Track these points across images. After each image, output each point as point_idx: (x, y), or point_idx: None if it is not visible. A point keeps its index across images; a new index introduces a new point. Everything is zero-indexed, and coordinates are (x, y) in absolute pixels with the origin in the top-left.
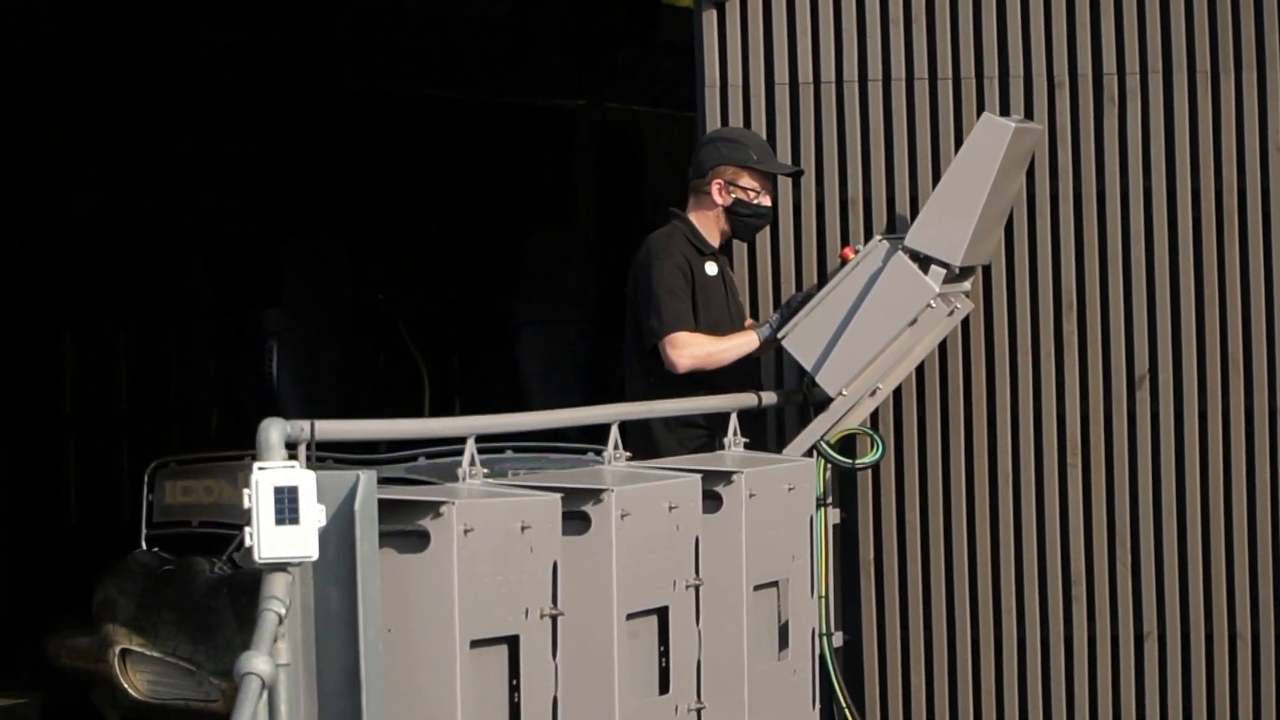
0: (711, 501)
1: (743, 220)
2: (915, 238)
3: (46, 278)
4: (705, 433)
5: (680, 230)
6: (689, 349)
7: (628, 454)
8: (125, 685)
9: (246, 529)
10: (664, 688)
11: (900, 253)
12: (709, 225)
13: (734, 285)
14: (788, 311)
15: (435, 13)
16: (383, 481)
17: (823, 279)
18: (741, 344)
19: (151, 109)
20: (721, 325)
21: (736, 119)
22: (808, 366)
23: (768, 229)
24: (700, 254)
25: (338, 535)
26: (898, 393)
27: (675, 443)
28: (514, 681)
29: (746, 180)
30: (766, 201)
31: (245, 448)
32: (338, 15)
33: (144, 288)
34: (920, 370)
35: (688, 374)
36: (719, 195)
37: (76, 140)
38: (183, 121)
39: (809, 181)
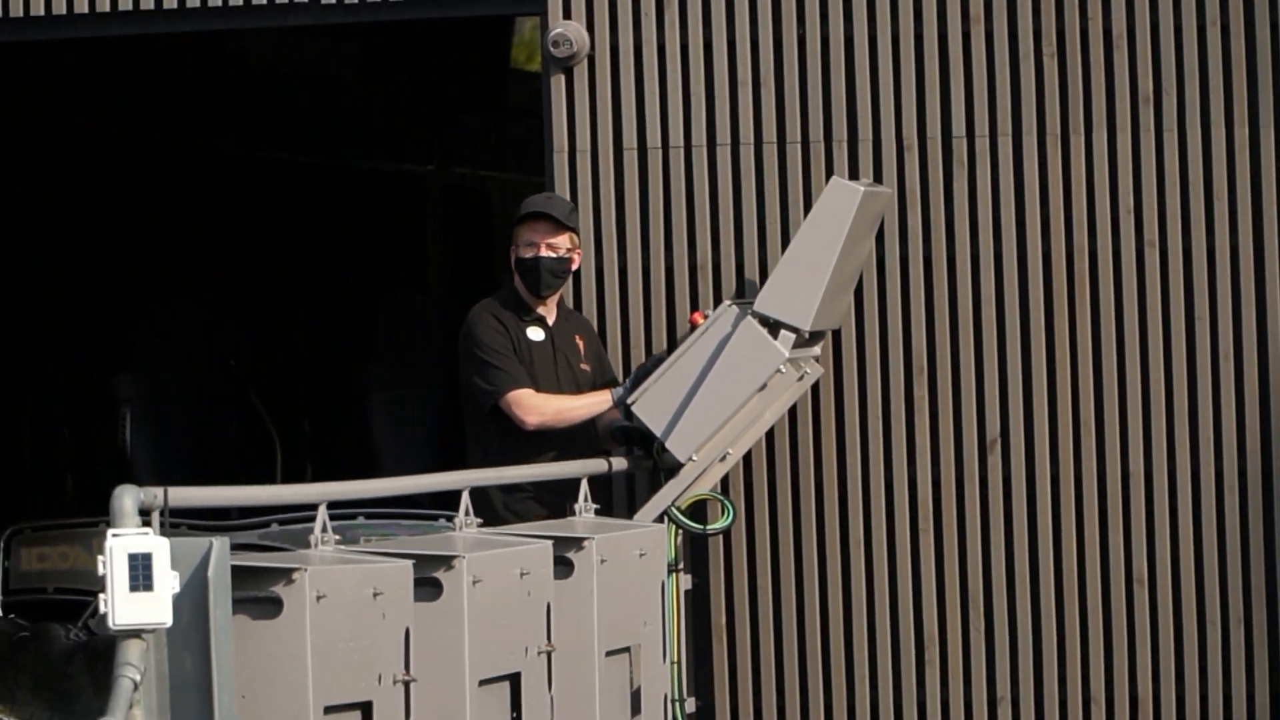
0: (563, 567)
1: (524, 274)
2: (765, 302)
3: None
4: (530, 497)
5: (501, 297)
6: (537, 406)
7: (479, 520)
8: None
9: (101, 595)
10: None
11: (750, 318)
12: (522, 288)
13: (578, 350)
14: (638, 377)
15: (286, 75)
16: (236, 548)
17: (672, 344)
18: (593, 403)
19: (8, 167)
20: (547, 389)
21: (585, 184)
22: (657, 432)
23: (616, 293)
24: (521, 319)
25: (192, 602)
26: (748, 458)
27: (502, 506)
28: None
29: (522, 235)
30: (535, 253)
31: (100, 514)
32: (193, 75)
33: None
34: (770, 435)
35: (533, 437)
36: (511, 258)
37: None
38: (40, 178)
39: (658, 246)
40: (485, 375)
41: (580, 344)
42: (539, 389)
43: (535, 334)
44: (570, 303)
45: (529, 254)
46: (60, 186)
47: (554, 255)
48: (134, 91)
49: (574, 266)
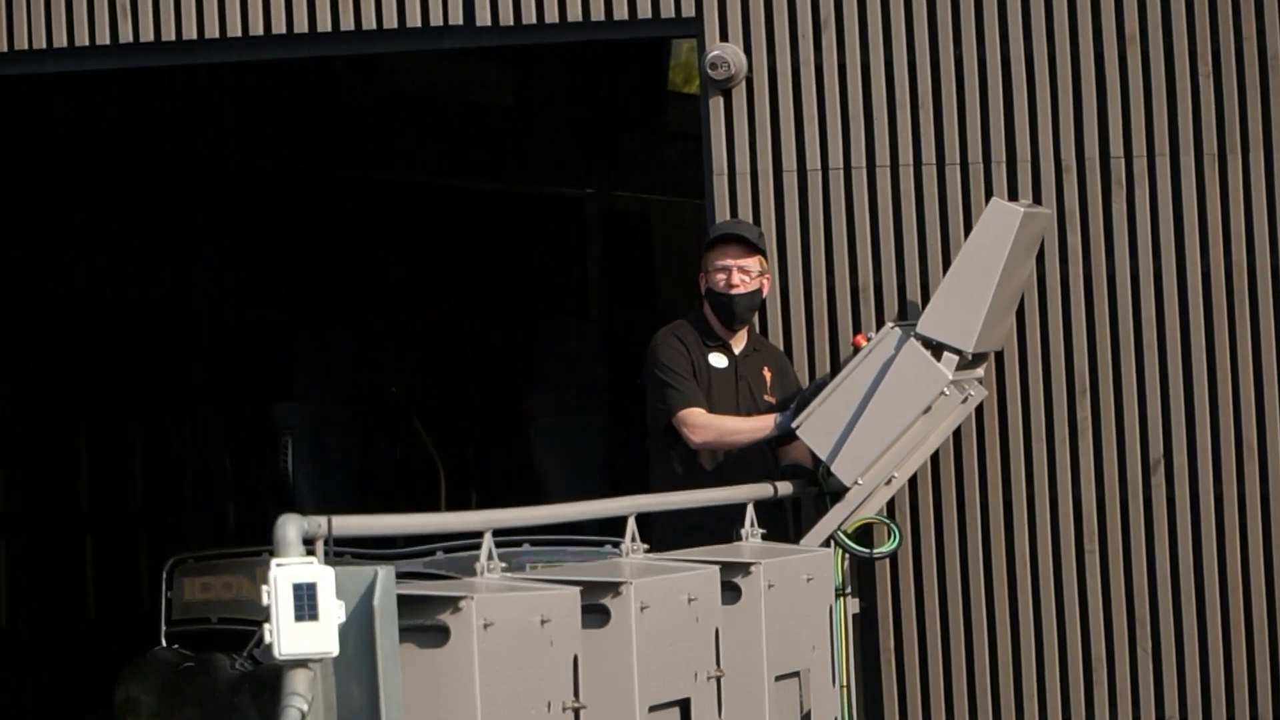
0: (730, 593)
1: (716, 305)
2: (927, 324)
3: (60, 370)
4: (697, 526)
5: (687, 323)
6: (703, 425)
7: (645, 546)
8: None
9: (266, 625)
10: None
11: (913, 340)
12: (712, 317)
13: (764, 382)
14: (802, 401)
15: (442, 100)
16: (401, 576)
17: (836, 368)
18: (757, 427)
19: (167, 198)
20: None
21: (745, 206)
22: (823, 456)
23: (779, 316)
24: (705, 345)
25: (357, 631)
26: (913, 481)
27: (672, 536)
28: None
29: (713, 260)
30: (728, 279)
31: (262, 543)
32: (350, 103)
33: (156, 380)
34: (935, 458)
35: (709, 467)
36: (702, 286)
37: (90, 227)
38: (196, 208)
39: (819, 268)
40: (663, 394)
41: (768, 375)
42: (716, 412)
43: (718, 361)
44: None
45: (720, 282)
46: (223, 217)
47: (746, 291)
48: (291, 120)
49: (764, 294)
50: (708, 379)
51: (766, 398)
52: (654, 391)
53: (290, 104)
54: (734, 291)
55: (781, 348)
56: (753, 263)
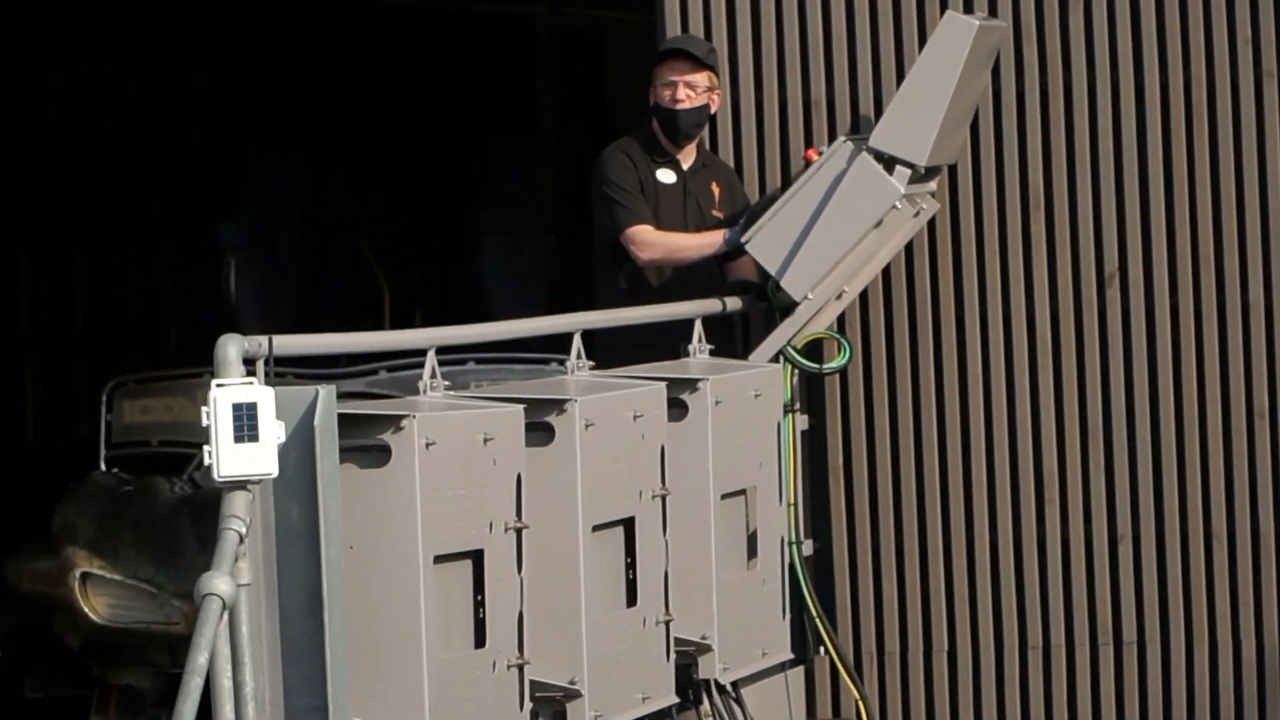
0: (677, 409)
1: (663, 120)
2: (880, 138)
3: (1, 195)
4: (642, 344)
5: (635, 139)
6: (651, 242)
7: (591, 363)
8: (86, 609)
9: (206, 447)
10: (631, 600)
11: (865, 154)
12: (659, 133)
13: (712, 196)
14: (751, 216)
15: None
16: (342, 396)
17: (786, 182)
18: (705, 243)
19: (111, 21)
20: (670, 230)
21: (696, 22)
22: (772, 270)
23: (729, 131)
24: (653, 161)
25: (298, 451)
26: (864, 296)
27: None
28: (479, 596)
29: (660, 75)
30: (673, 94)
31: (204, 364)
32: None
33: (99, 204)
34: (887, 272)
35: (655, 284)
36: (650, 100)
37: (35, 55)
38: (141, 33)
39: (770, 83)
40: (610, 211)
41: (716, 190)
42: (663, 228)
43: (666, 176)
44: None
45: (667, 97)
46: (167, 39)
47: (692, 106)
48: None
49: (713, 110)
50: (655, 195)
51: (715, 213)
52: (601, 209)
53: None
54: (679, 106)
55: (732, 163)
56: (700, 78)
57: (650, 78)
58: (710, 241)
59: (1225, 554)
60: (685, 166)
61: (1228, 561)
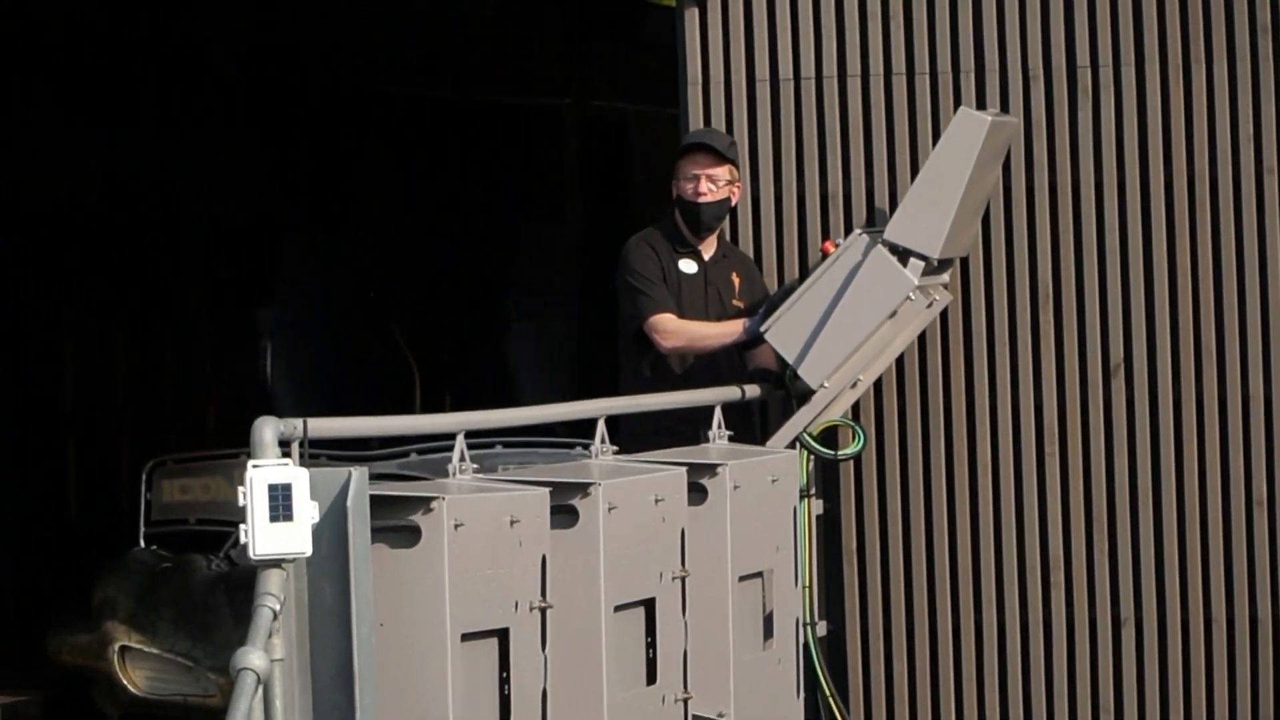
0: (697, 494)
1: (685, 213)
2: (894, 231)
3: (45, 273)
4: (662, 429)
5: (658, 230)
6: (673, 330)
7: (614, 448)
8: (125, 682)
9: (242, 526)
10: (651, 678)
11: (880, 246)
12: (682, 224)
13: (732, 287)
14: (770, 306)
15: (425, 11)
16: (374, 478)
17: (804, 273)
18: (726, 332)
19: (151, 102)
20: (691, 320)
21: (718, 116)
22: (790, 359)
23: (749, 223)
24: (675, 251)
25: (331, 531)
26: (878, 384)
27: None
28: (504, 674)
29: (683, 169)
30: (696, 187)
31: (241, 445)
32: (337, 12)
33: (141, 285)
34: (900, 362)
35: (679, 375)
36: (673, 192)
37: (78, 132)
38: (181, 116)
39: (789, 176)
40: (634, 300)
41: (736, 281)
42: (685, 317)
43: (688, 266)
44: None
45: (689, 190)
46: (209, 123)
47: (714, 200)
48: (271, 27)
49: (733, 202)
50: (678, 285)
51: (735, 302)
52: (625, 297)
53: (279, 11)
54: (702, 200)
55: (751, 254)
56: (722, 172)
57: (673, 170)
58: (731, 330)
59: (1224, 638)
60: (707, 257)
61: (1226, 645)
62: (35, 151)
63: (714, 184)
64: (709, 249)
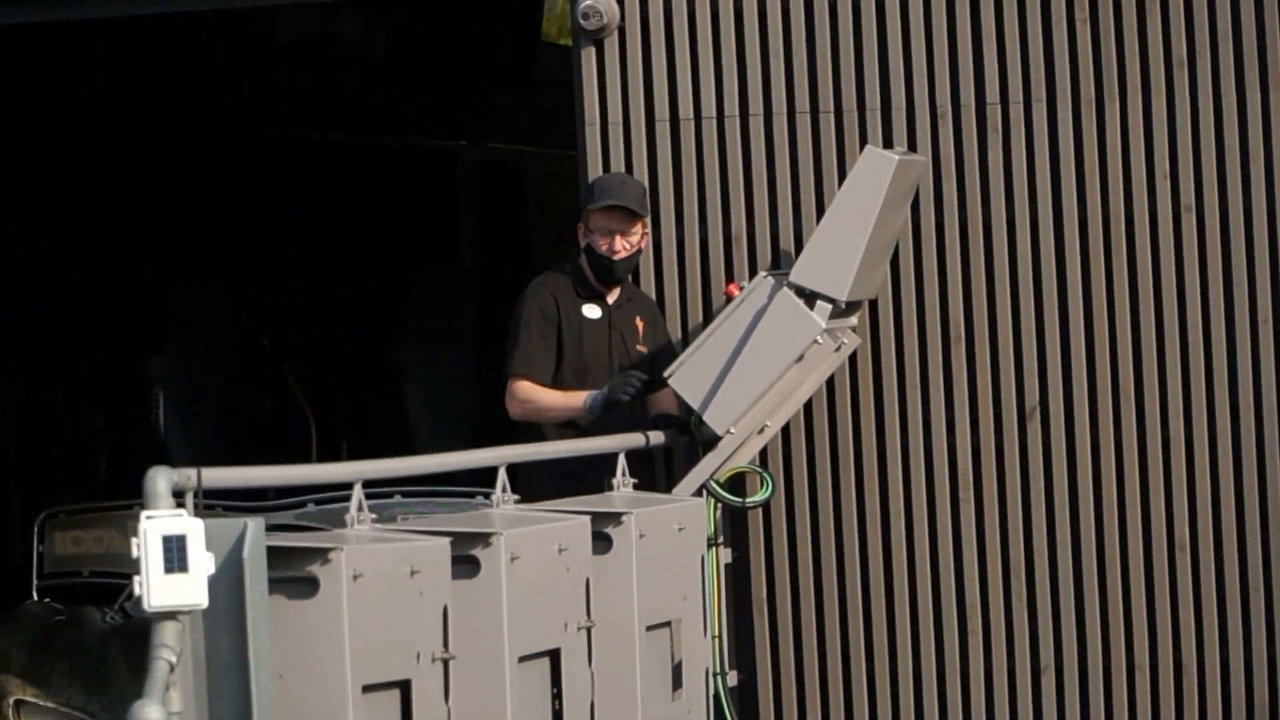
0: (602, 543)
1: (595, 265)
2: (800, 273)
3: None
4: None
5: (563, 272)
6: (522, 398)
7: (516, 497)
8: None
9: (136, 578)
10: None
11: (786, 289)
12: (589, 272)
13: (636, 331)
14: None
15: (313, 52)
16: (271, 528)
17: (708, 317)
18: (569, 405)
19: (43, 150)
20: (596, 368)
21: (617, 156)
22: (694, 405)
23: (651, 265)
24: (578, 296)
25: (227, 583)
26: (786, 430)
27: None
28: None
29: (595, 221)
30: (610, 245)
31: (134, 496)
32: (220, 53)
33: (30, 332)
34: (809, 406)
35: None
36: (581, 239)
37: None
38: (66, 159)
39: (692, 218)
40: (509, 349)
41: (640, 325)
42: (586, 365)
43: (591, 312)
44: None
45: (603, 246)
46: (87, 170)
47: (627, 256)
48: (161, 73)
49: (641, 248)
50: (579, 330)
51: (639, 347)
52: (508, 340)
53: (160, 55)
54: (616, 258)
55: (654, 296)
56: (636, 228)
57: (583, 215)
58: (573, 405)
59: (1148, 684)
60: (610, 301)
61: (1149, 691)
62: None
63: (628, 241)
64: (613, 294)
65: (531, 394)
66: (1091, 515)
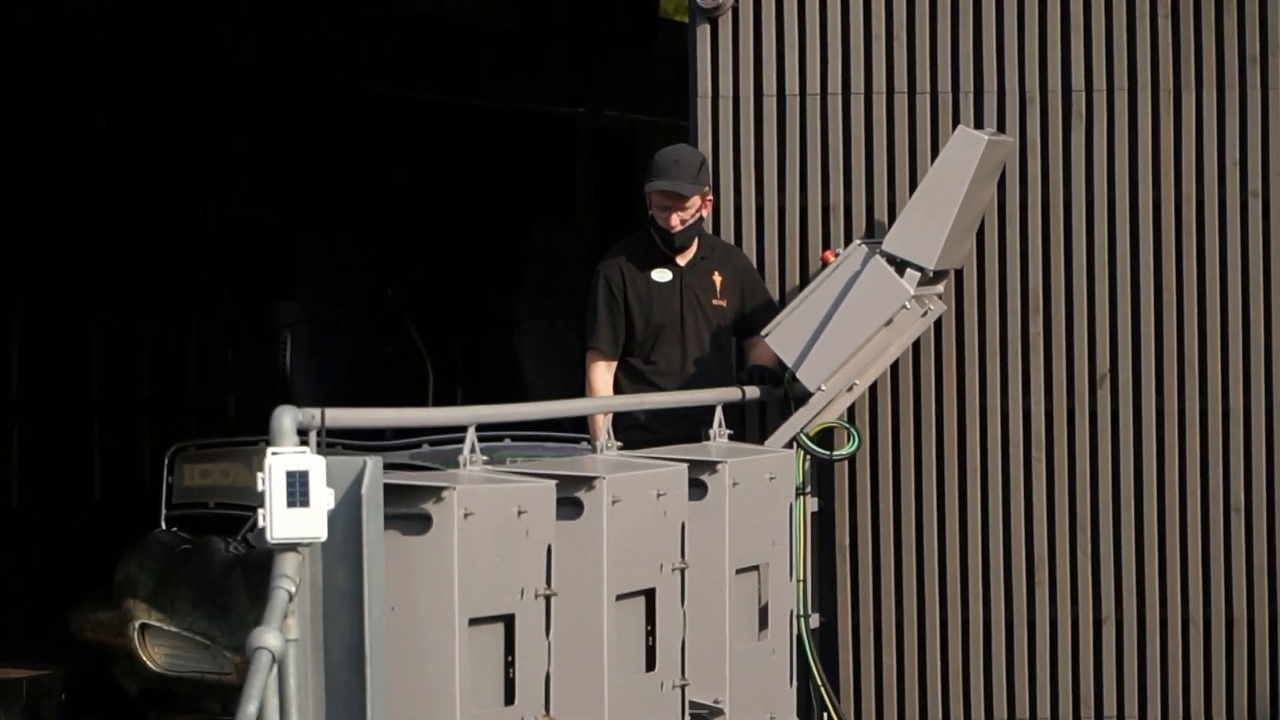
0: (697, 489)
1: (659, 236)
2: (892, 242)
3: (74, 267)
4: (649, 434)
5: (635, 240)
6: (588, 378)
7: (619, 444)
8: (144, 658)
9: (260, 510)
10: (650, 665)
11: (878, 256)
12: (657, 238)
13: (713, 287)
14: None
15: (447, 21)
16: (388, 467)
17: (805, 281)
18: (593, 418)
19: (176, 105)
20: (669, 327)
21: (727, 129)
22: (789, 362)
23: (753, 231)
24: (649, 261)
25: (345, 517)
26: (873, 389)
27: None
28: (509, 658)
29: (654, 199)
30: (666, 219)
31: (260, 433)
32: (355, 20)
33: (166, 278)
34: (895, 368)
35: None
36: (648, 208)
37: (104, 134)
38: (206, 118)
39: (793, 187)
40: (588, 323)
41: (718, 280)
42: (658, 326)
43: (661, 275)
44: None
45: (661, 219)
46: (235, 126)
47: (685, 228)
48: (302, 34)
49: (705, 213)
50: (647, 296)
51: (716, 302)
52: (587, 315)
53: (302, 19)
54: (674, 230)
55: (755, 259)
56: (692, 201)
57: (645, 191)
58: (594, 422)
59: (1201, 637)
60: (683, 263)
61: (1203, 644)
62: (66, 156)
63: (685, 212)
64: (685, 256)
65: (590, 381)
66: (1154, 477)
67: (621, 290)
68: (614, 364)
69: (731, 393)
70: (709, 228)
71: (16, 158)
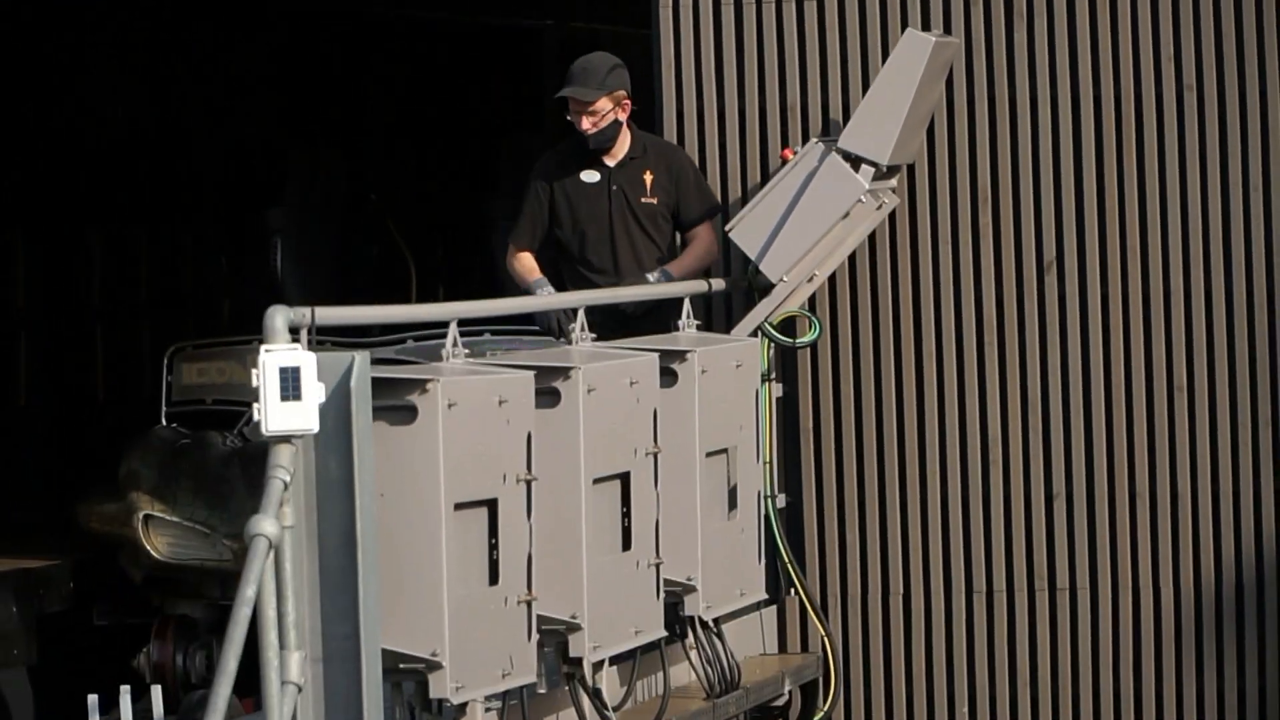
0: (668, 377)
1: (580, 139)
2: (847, 140)
3: (76, 181)
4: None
5: (571, 143)
6: (508, 264)
7: (593, 335)
8: (148, 547)
9: (255, 405)
10: (626, 545)
11: (834, 153)
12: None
13: (643, 185)
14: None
15: None
16: (375, 362)
17: (765, 178)
18: (522, 279)
19: (166, 27)
20: (591, 226)
21: (688, 36)
22: (752, 255)
23: (715, 132)
24: (579, 163)
25: (336, 410)
26: (832, 279)
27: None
28: (493, 540)
29: (569, 105)
30: (583, 125)
31: (253, 333)
32: None
33: (162, 191)
34: (852, 258)
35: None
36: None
37: (100, 51)
38: (195, 41)
39: (752, 89)
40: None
41: (648, 178)
42: (578, 226)
43: (589, 176)
44: (675, 140)
45: (575, 124)
46: (215, 43)
47: (600, 129)
48: None
49: (624, 117)
50: (577, 194)
51: (645, 200)
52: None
53: None
54: (588, 133)
55: (717, 162)
56: (601, 105)
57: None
58: (524, 281)
59: (1147, 511)
60: (611, 164)
61: (1149, 517)
62: (61, 73)
63: (595, 115)
64: (614, 157)
65: (510, 265)
66: (1100, 358)
67: (547, 192)
68: (529, 252)
69: (698, 285)
70: (673, 131)
71: (18, 79)
